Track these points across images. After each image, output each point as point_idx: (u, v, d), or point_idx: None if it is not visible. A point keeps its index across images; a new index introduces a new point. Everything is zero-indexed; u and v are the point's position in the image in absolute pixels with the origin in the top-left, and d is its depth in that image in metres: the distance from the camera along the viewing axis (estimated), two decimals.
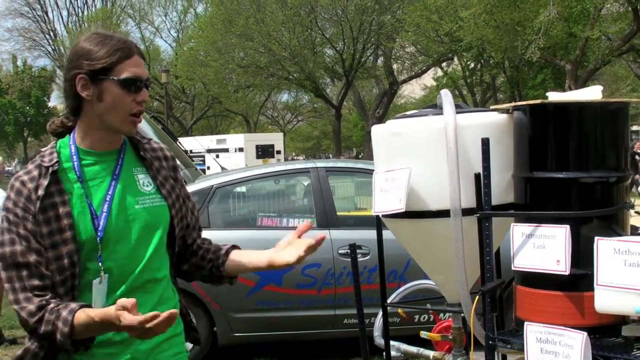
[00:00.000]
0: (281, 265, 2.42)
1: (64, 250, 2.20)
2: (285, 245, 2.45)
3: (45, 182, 2.22)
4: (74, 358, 2.24)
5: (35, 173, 2.25)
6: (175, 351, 2.44)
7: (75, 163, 2.29)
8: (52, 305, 2.15)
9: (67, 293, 2.22)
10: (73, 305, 2.14)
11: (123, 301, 2.01)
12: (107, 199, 2.28)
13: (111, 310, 2.03)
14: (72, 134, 2.34)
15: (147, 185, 2.40)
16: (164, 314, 2.00)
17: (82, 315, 2.10)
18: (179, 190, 2.52)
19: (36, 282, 2.16)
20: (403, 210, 3.19)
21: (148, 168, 2.44)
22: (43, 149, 2.37)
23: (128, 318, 1.99)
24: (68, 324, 2.10)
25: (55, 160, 2.28)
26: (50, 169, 2.25)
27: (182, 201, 2.51)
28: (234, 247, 2.63)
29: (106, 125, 2.29)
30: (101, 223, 2.25)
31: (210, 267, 2.57)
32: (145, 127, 7.59)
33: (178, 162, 3.27)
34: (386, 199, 3.29)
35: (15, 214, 2.20)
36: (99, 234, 2.23)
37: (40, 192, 2.21)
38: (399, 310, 5.40)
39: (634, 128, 53.53)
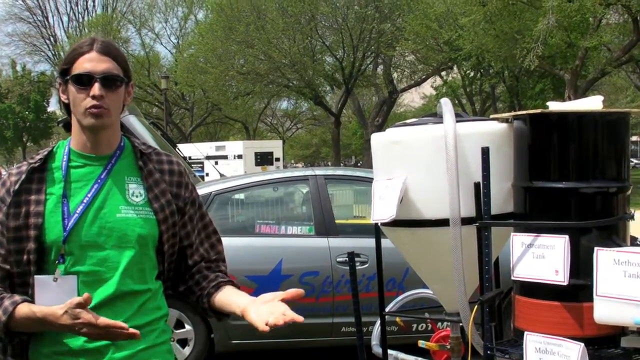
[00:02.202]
0: (248, 320, 2.28)
1: (25, 247, 2.23)
2: (266, 300, 2.27)
3: (23, 177, 2.28)
4: None
5: (23, 168, 2.32)
6: None
7: (64, 163, 2.32)
8: None
9: (22, 285, 2.25)
10: (17, 297, 2.18)
11: (76, 300, 2.06)
12: (84, 201, 2.27)
13: (56, 310, 2.08)
14: (70, 138, 2.38)
15: (137, 196, 2.34)
16: (130, 331, 2.09)
17: (25, 308, 2.15)
18: (182, 208, 2.42)
19: None
20: (393, 217, 3.18)
21: (144, 179, 2.37)
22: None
23: (87, 317, 2.06)
24: (7, 313, 2.14)
25: (39, 158, 2.33)
26: (31, 166, 2.30)
27: (179, 218, 2.41)
28: (230, 282, 2.49)
29: (79, 123, 2.30)
30: (69, 224, 2.24)
31: (198, 295, 2.49)
32: (144, 134, 7.58)
33: None
34: (382, 207, 3.29)
35: None
36: (64, 234, 2.23)
37: (17, 186, 2.27)
38: (397, 319, 5.39)
39: (634, 138, 53.61)
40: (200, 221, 2.52)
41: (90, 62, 2.25)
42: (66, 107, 2.34)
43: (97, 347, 2.22)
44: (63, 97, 2.32)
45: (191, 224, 2.47)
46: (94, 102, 2.23)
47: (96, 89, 2.23)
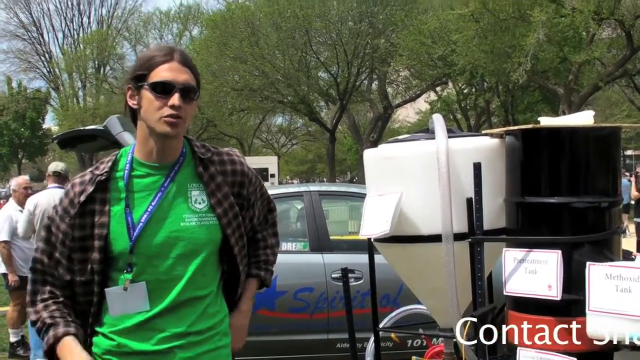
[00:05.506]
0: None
1: (90, 256, 2.29)
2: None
3: (90, 189, 2.31)
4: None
5: (87, 178, 2.36)
6: None
7: (126, 172, 2.34)
8: (45, 316, 2.32)
9: (85, 294, 2.33)
10: (60, 330, 2.29)
11: None
12: (149, 210, 2.30)
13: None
14: (135, 144, 2.40)
15: (200, 203, 2.38)
16: None
17: (65, 348, 2.29)
18: (244, 203, 2.50)
19: (49, 278, 2.35)
20: (387, 232, 3.18)
21: (206, 185, 2.40)
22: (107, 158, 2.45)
23: None
24: (47, 344, 2.28)
25: (105, 170, 2.35)
26: (98, 178, 2.33)
27: (246, 210, 2.51)
28: (258, 277, 2.66)
29: (150, 129, 2.31)
30: (134, 234, 2.28)
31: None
32: None
33: None
34: (374, 222, 3.29)
35: (57, 212, 2.35)
36: (130, 244, 2.28)
37: (83, 197, 2.30)
38: (392, 335, 5.38)
39: (629, 152, 53.67)
40: (261, 198, 2.63)
41: (171, 72, 2.28)
42: (132, 111, 2.35)
43: (166, 348, 2.30)
44: (131, 102, 2.33)
45: (255, 207, 2.58)
46: (172, 112, 2.26)
47: (176, 98, 2.26)
